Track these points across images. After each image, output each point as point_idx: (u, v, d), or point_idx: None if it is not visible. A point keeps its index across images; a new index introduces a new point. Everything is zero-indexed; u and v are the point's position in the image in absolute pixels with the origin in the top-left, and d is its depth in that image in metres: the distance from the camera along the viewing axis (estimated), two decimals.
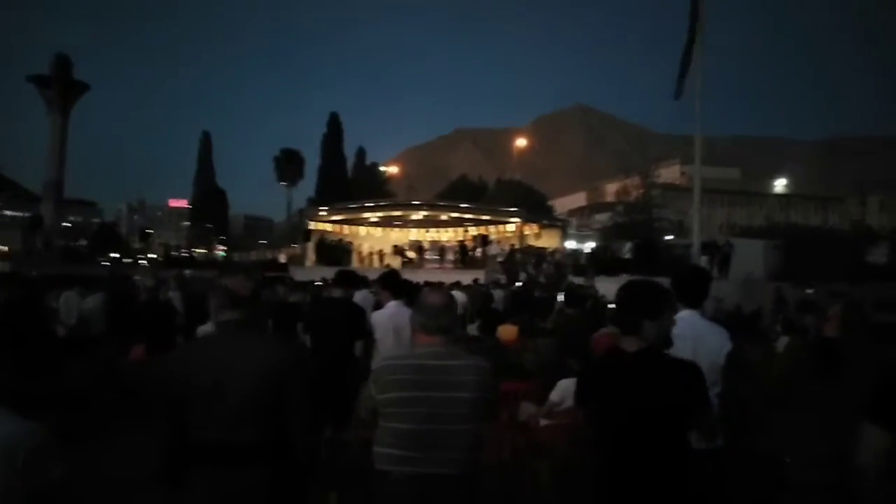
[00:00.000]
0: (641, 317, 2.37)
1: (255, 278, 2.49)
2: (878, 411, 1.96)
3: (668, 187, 44.77)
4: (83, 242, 37.63)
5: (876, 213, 62.23)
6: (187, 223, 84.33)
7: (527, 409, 5.21)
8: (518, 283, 20.79)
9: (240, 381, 2.23)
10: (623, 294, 2.49)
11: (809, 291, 14.89)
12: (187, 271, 20.67)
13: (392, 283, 5.49)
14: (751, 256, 21.26)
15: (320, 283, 13.47)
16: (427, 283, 14.90)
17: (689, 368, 2.34)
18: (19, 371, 2.74)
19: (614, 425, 2.31)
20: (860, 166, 62.14)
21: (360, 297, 7.22)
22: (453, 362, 2.48)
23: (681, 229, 35.21)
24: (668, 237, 30.69)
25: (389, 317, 5.07)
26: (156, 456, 2.33)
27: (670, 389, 2.25)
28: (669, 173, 52.90)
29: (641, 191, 37.86)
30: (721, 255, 21.40)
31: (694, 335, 3.16)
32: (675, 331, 3.32)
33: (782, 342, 7.62)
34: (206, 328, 8.28)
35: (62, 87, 28.78)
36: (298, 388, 2.30)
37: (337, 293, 5.42)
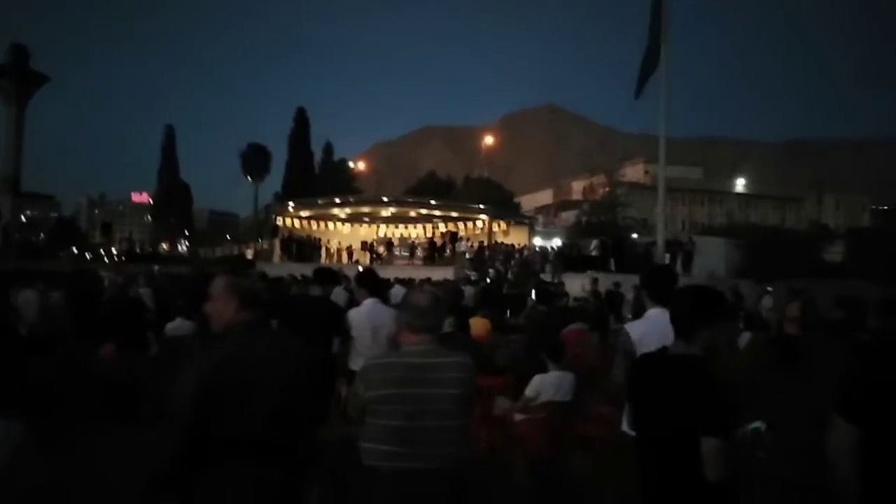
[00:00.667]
0: (698, 325, 2.36)
1: (250, 278, 2.51)
2: (846, 406, 2.06)
3: (633, 186, 45.55)
4: (41, 237, 36.55)
5: (832, 213, 64.38)
6: (150, 218, 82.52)
7: (501, 403, 5.32)
8: (487, 280, 20.95)
9: (273, 383, 2.23)
10: (682, 299, 2.49)
11: (769, 289, 15.35)
12: (156, 267, 20.28)
13: (369, 281, 5.52)
14: (713, 254, 21.82)
15: (287, 279, 13.36)
16: (398, 280, 14.96)
17: (712, 389, 2.23)
18: None
19: (644, 425, 2.38)
20: (817, 167, 63.95)
21: (335, 293, 7.22)
22: (440, 360, 2.55)
23: (645, 227, 35.87)
24: (633, 235, 31.24)
25: (367, 314, 5.10)
26: (156, 459, 2.27)
27: (688, 405, 2.20)
28: (634, 172, 53.76)
29: (607, 189, 38.45)
30: (684, 252, 21.89)
31: (665, 331, 3.27)
32: (647, 328, 3.44)
33: (744, 338, 7.86)
34: (175, 325, 8.24)
35: (18, 78, 27.99)
36: (313, 392, 2.37)
37: (315, 290, 5.44)
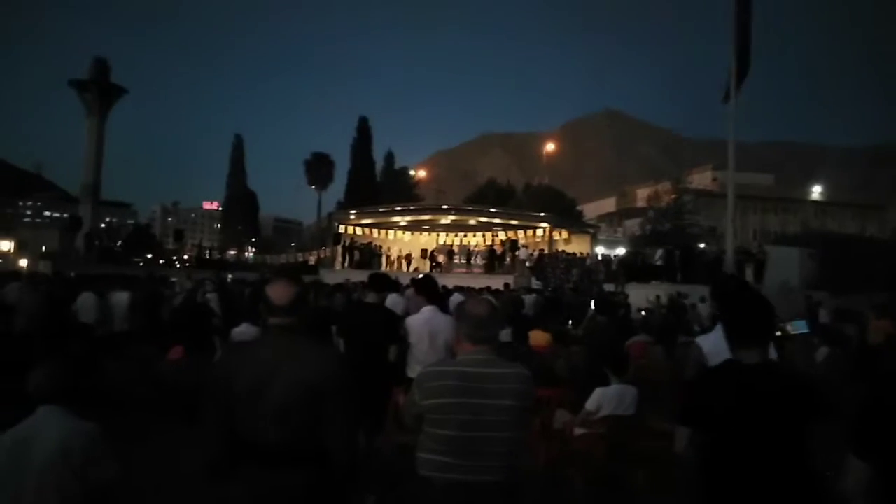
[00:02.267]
0: (772, 332, 2.40)
1: (300, 283, 2.51)
2: (858, 443, 1.90)
3: (700, 193, 44.19)
4: (119, 243, 38.45)
5: None
6: (219, 225, 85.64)
7: (561, 416, 5.18)
8: (549, 289, 20.69)
9: (279, 386, 2.27)
10: (754, 307, 2.48)
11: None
12: (229, 275, 20.91)
13: (427, 289, 5.49)
14: (786, 264, 20.86)
15: (347, 285, 13.54)
16: (457, 288, 14.94)
17: (805, 380, 2.36)
18: (69, 370, 2.81)
19: (734, 440, 2.27)
20: None
21: (391, 301, 7.24)
22: (496, 370, 2.49)
23: (713, 236, 34.67)
24: (700, 244, 30.24)
25: (425, 322, 5.07)
26: (199, 453, 2.39)
27: (793, 403, 2.24)
28: (701, 179, 52.26)
29: (673, 196, 37.42)
30: (755, 262, 21.02)
31: None
32: (719, 340, 3.27)
33: (822, 353, 7.44)
34: (241, 330, 8.44)
35: (100, 91, 29.51)
36: (338, 395, 2.33)
37: (370, 297, 5.45)
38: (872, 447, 1.83)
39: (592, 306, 11.10)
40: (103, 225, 50.41)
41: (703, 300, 15.26)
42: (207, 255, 38.37)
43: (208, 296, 9.83)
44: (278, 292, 2.41)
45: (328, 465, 2.32)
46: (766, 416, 2.21)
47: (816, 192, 69.94)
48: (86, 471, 2.60)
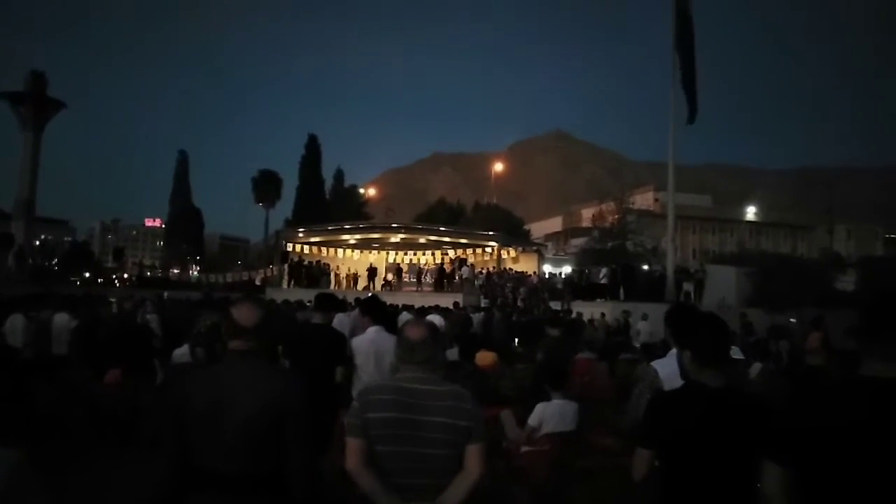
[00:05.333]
0: (727, 354, 2.45)
1: (263, 307, 2.50)
2: (776, 448, 1.99)
3: (643, 213, 45.47)
4: (54, 261, 36.87)
5: (844, 242, 63.85)
6: (161, 243, 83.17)
7: (513, 434, 5.24)
8: (496, 307, 20.87)
9: (237, 412, 2.24)
10: (717, 329, 2.53)
11: (793, 321, 15.18)
12: (165, 293, 20.36)
13: (373, 309, 5.50)
14: (723, 283, 21.67)
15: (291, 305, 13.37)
16: (405, 307, 14.92)
17: (764, 403, 2.40)
18: None
19: (698, 462, 2.33)
20: (828, 196, 63.62)
21: (337, 321, 7.19)
22: (433, 388, 2.54)
23: (655, 255, 35.69)
24: (643, 264, 31.09)
25: (370, 342, 5.07)
26: (138, 480, 2.34)
27: (755, 425, 2.26)
28: (644, 200, 53.71)
29: (617, 216, 38.39)
30: (695, 281, 21.77)
31: None
32: (675, 366, 3.38)
33: (755, 369, 7.75)
34: (182, 351, 8.24)
35: (36, 104, 28.52)
36: (297, 422, 2.32)
37: (317, 317, 5.41)
38: (788, 452, 1.93)
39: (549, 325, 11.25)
40: (38, 242, 48.29)
41: (644, 318, 15.71)
42: (149, 274, 37.20)
43: (148, 317, 9.55)
44: (244, 314, 2.40)
45: (286, 491, 2.31)
46: (731, 439, 2.28)
47: (751, 212, 72.97)
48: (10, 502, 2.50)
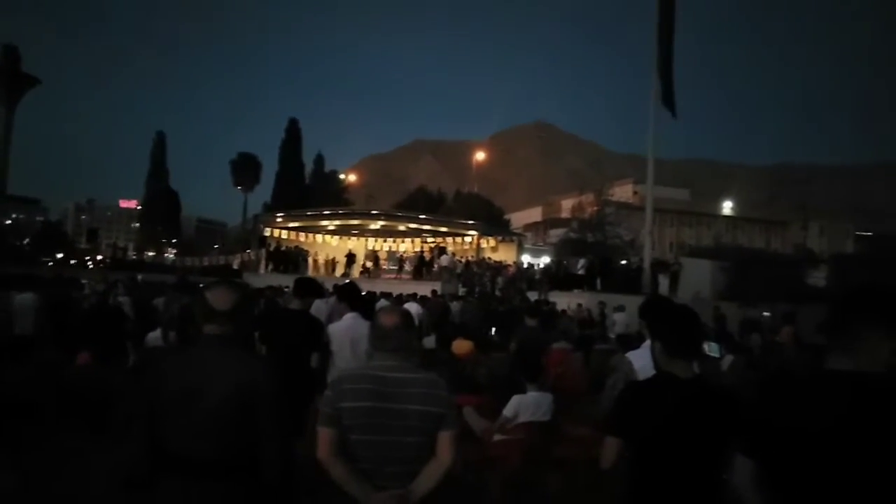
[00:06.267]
0: (701, 344, 2.51)
1: (238, 291, 2.47)
2: (746, 441, 2.03)
3: (622, 206, 45.84)
4: (26, 241, 36.16)
5: (816, 238, 65.04)
6: (137, 225, 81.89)
7: (479, 423, 5.26)
8: (475, 296, 20.95)
9: (210, 397, 2.23)
10: (688, 320, 2.58)
11: (766, 314, 15.46)
12: (139, 276, 20.08)
13: (349, 296, 5.47)
14: (699, 276, 21.94)
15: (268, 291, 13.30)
16: (383, 294, 14.91)
17: (733, 394, 2.47)
18: None
19: (666, 451, 2.36)
20: (802, 192, 64.73)
21: (315, 307, 7.15)
22: (406, 375, 2.53)
23: (632, 247, 36.03)
24: (621, 256, 31.37)
25: (347, 329, 5.05)
26: (111, 462, 2.32)
27: (724, 416, 2.32)
28: (623, 192, 54.12)
29: (596, 208, 38.63)
30: (671, 273, 22.01)
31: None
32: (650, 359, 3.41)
33: (727, 361, 7.88)
34: (156, 334, 8.13)
35: (9, 79, 27.79)
36: (270, 408, 2.31)
37: (294, 303, 5.37)
38: (757, 444, 1.97)
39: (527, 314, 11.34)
40: (9, 222, 47.27)
41: (621, 308, 15.85)
42: (123, 256, 36.65)
43: (121, 299, 9.41)
44: (220, 297, 2.38)
45: (259, 476, 2.30)
46: (699, 429, 2.31)
47: (728, 207, 73.94)
48: None
